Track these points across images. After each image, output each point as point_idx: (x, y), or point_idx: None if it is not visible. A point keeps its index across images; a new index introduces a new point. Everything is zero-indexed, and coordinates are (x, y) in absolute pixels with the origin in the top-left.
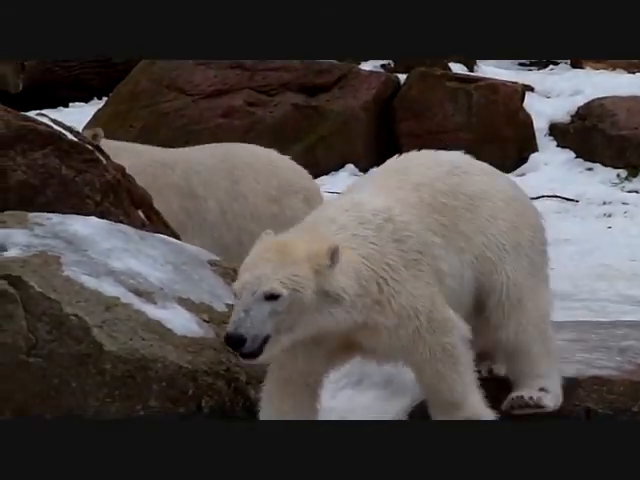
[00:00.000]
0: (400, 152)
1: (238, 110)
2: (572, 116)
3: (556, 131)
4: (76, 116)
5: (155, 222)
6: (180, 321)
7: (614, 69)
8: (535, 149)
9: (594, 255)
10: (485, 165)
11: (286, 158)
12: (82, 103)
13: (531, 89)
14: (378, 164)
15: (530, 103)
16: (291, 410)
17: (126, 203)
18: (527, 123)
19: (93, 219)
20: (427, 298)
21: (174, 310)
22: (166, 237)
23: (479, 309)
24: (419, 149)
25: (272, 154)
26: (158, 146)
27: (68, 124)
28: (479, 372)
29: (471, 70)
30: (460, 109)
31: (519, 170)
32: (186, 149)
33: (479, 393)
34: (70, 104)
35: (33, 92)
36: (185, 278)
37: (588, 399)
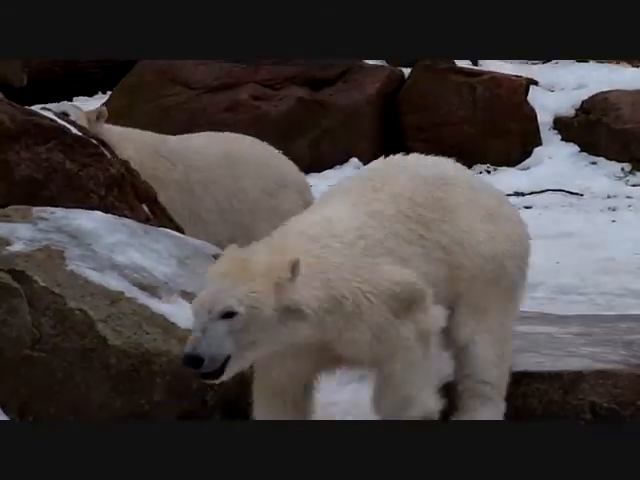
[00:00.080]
0: (405, 145)
1: (243, 104)
2: (576, 110)
3: (560, 125)
4: None
5: (159, 216)
6: (184, 315)
7: (618, 63)
8: (539, 143)
9: (598, 249)
10: (472, 177)
11: (278, 152)
12: (86, 97)
13: (535, 83)
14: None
15: (534, 97)
16: (280, 410)
17: (130, 197)
18: (531, 117)
19: (97, 213)
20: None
21: (178, 304)
22: (170, 231)
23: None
24: (423, 142)
25: (267, 147)
26: None
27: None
28: None
29: (475, 64)
30: (464, 103)
31: (523, 164)
32: (186, 137)
33: (435, 388)
34: (74, 98)
35: (37, 86)
36: (189, 272)
37: (593, 393)
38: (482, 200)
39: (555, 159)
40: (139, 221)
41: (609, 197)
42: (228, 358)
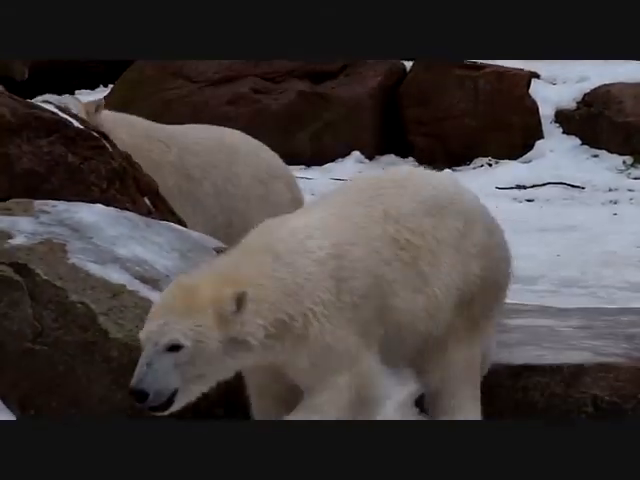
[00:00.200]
0: (406, 139)
1: (244, 97)
2: (578, 103)
3: (562, 118)
4: None
5: (161, 209)
6: None
7: None
8: (541, 136)
9: (600, 242)
10: (471, 201)
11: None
12: (88, 90)
13: (537, 76)
14: (384, 151)
15: (536, 90)
16: (271, 409)
17: (132, 190)
18: (533, 110)
19: (99, 206)
20: (351, 349)
21: None
22: (172, 224)
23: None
24: (425, 136)
25: (255, 140)
26: None
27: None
28: None
29: None
30: (466, 96)
31: (525, 157)
32: (180, 126)
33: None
34: (76, 91)
35: (39, 80)
36: (191, 265)
37: (595, 386)
38: (476, 231)
39: (557, 152)
40: (141, 214)
41: (610, 190)
42: (176, 391)
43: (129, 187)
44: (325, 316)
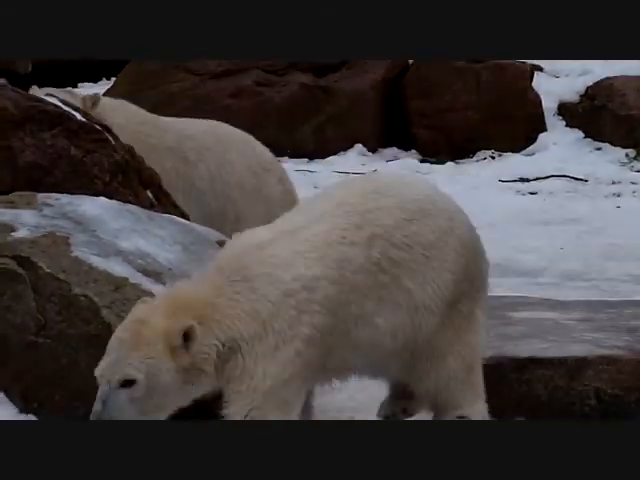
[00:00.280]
0: (409, 131)
1: (247, 90)
2: (581, 96)
3: (565, 111)
4: None
5: (164, 202)
6: None
7: None
8: (544, 129)
9: (603, 234)
10: (448, 199)
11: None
12: (91, 83)
13: (540, 69)
14: (387, 144)
15: (539, 83)
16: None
17: (135, 183)
18: (536, 103)
19: (102, 199)
20: (284, 378)
21: None
22: (175, 217)
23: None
24: (428, 128)
25: (246, 133)
26: None
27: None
28: (393, 414)
29: None
30: (469, 89)
31: (528, 150)
32: (175, 119)
33: None
34: (79, 84)
35: (41, 73)
36: (194, 258)
37: (597, 379)
38: (457, 230)
39: (560, 145)
40: (143, 207)
41: (614, 183)
42: None
43: (132, 180)
44: (272, 346)
